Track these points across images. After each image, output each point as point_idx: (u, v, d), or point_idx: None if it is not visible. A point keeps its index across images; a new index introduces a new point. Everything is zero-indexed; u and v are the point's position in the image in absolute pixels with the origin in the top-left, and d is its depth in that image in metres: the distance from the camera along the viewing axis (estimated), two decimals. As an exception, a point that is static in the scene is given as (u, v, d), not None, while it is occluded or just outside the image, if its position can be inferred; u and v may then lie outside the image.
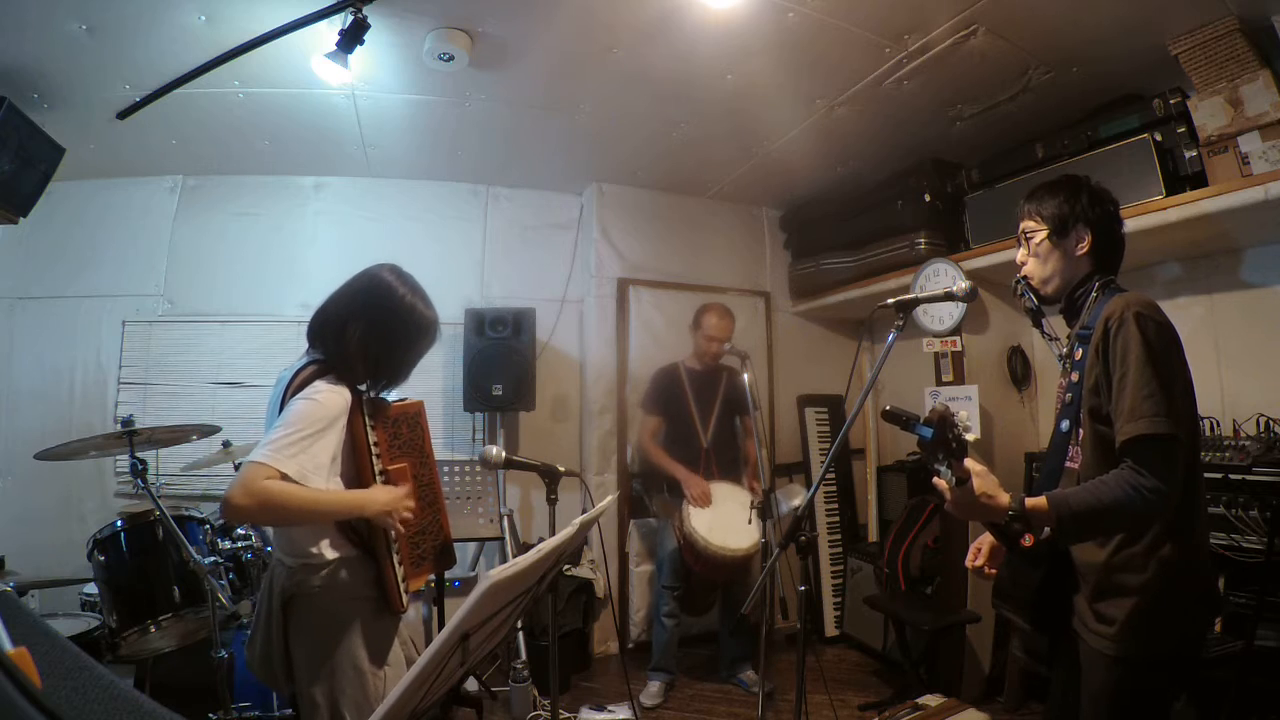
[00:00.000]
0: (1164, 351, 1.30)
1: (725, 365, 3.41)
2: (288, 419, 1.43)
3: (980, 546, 1.61)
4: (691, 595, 3.34)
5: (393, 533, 1.58)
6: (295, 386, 1.51)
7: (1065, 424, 1.45)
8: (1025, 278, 1.56)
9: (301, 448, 1.41)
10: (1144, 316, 1.31)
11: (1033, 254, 1.54)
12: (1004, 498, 1.27)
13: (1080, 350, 1.42)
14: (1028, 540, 1.31)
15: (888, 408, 1.32)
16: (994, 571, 1.57)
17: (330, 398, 1.48)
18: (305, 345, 1.67)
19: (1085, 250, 1.48)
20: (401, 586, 1.59)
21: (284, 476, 1.38)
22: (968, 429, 1.24)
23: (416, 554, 1.74)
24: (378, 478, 1.59)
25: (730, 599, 3.33)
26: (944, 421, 1.20)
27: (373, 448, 1.59)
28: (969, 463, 1.25)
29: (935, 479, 1.28)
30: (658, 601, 3.39)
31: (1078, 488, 1.30)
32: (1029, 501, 1.27)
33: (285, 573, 1.53)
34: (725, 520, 3.13)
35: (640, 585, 3.83)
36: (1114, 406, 1.31)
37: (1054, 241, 1.50)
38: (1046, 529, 1.28)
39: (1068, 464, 1.46)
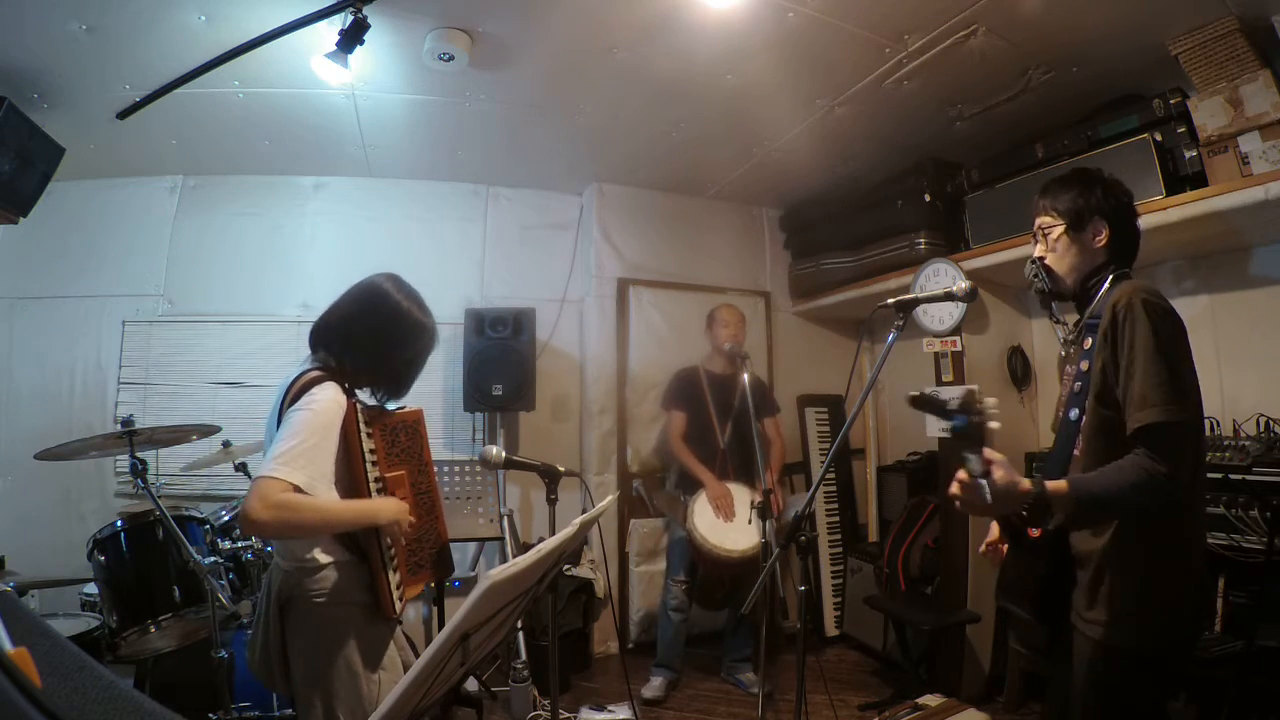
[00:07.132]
0: (1171, 338, 1.30)
1: (742, 368, 3.39)
2: (291, 430, 1.45)
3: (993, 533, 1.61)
4: (701, 588, 3.31)
5: (388, 539, 1.60)
6: (293, 395, 1.52)
7: (1075, 412, 1.44)
8: (1041, 258, 1.55)
9: (309, 458, 1.43)
10: (1151, 303, 1.31)
11: (1050, 249, 1.53)
12: (1025, 482, 1.26)
13: (1089, 339, 1.42)
14: (1035, 531, 1.31)
15: (918, 393, 1.31)
16: (1005, 547, 1.57)
17: (326, 405, 1.50)
18: (305, 348, 1.69)
19: (1103, 243, 1.48)
20: (396, 593, 1.60)
21: (295, 488, 1.40)
22: (992, 417, 1.22)
23: (414, 561, 1.74)
24: (373, 484, 1.59)
25: (737, 598, 3.32)
26: (972, 407, 1.19)
27: (369, 455, 1.60)
28: (988, 452, 1.24)
29: (960, 471, 1.26)
30: (664, 594, 3.37)
31: (1096, 472, 1.30)
32: (1050, 485, 1.27)
33: (282, 576, 1.56)
34: (729, 521, 3.13)
35: (640, 585, 3.82)
36: (1123, 393, 1.31)
37: (1071, 235, 1.50)
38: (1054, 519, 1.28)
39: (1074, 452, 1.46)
